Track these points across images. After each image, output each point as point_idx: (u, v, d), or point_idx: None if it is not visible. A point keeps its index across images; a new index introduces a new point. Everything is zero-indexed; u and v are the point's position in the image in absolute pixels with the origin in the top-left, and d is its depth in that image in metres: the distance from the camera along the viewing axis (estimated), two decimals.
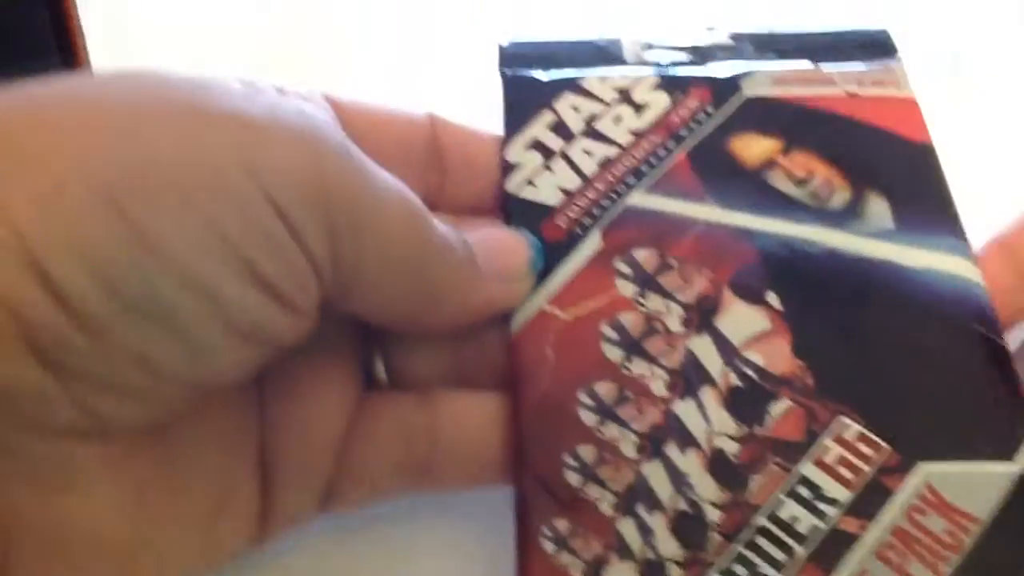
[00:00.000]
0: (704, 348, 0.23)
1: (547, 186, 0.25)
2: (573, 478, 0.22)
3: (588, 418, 0.22)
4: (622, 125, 0.26)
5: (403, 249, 0.20)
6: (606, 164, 0.26)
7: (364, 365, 0.24)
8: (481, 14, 0.37)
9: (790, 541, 0.21)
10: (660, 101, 0.27)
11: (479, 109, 0.27)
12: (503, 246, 0.24)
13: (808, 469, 0.22)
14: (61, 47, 0.29)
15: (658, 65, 0.28)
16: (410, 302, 0.22)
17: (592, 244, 0.24)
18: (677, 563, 0.21)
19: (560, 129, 0.26)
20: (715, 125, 0.26)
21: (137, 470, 0.19)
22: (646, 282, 0.24)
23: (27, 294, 0.16)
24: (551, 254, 0.24)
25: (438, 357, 0.24)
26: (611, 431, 0.22)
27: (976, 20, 0.37)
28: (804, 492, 0.21)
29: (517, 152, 0.26)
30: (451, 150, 0.26)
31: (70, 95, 0.18)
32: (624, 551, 0.21)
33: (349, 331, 0.24)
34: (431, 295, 0.22)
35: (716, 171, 0.25)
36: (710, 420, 0.22)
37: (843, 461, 0.22)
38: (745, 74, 0.27)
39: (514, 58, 0.28)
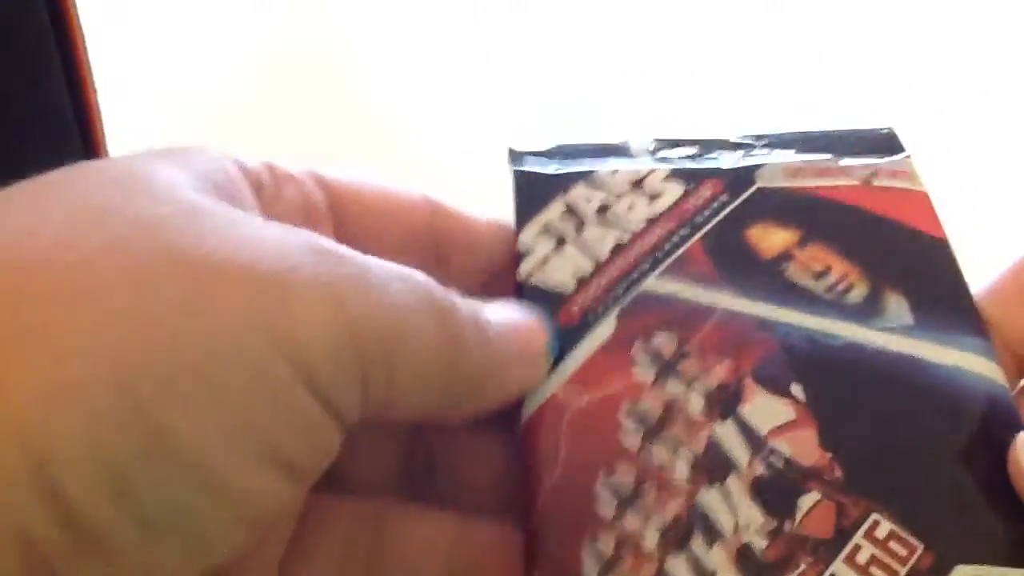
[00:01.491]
0: (728, 435, 0.22)
1: (560, 271, 0.25)
2: (592, 573, 0.20)
3: (607, 510, 0.21)
4: (635, 212, 0.26)
5: (437, 359, 0.19)
6: (619, 249, 0.25)
7: None
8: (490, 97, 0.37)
9: None
10: (673, 190, 0.26)
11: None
12: (521, 327, 0.23)
13: (840, 569, 0.20)
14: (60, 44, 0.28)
15: (668, 160, 0.28)
16: (443, 402, 0.20)
17: (607, 328, 0.24)
18: None
19: (572, 216, 0.26)
20: (730, 214, 0.26)
21: None
22: (665, 368, 0.23)
23: (33, 509, 0.14)
24: (565, 337, 0.23)
25: (386, 462, 0.24)
26: (631, 523, 0.21)
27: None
28: None
29: (529, 239, 0.25)
30: (451, 237, 0.25)
31: (67, 249, 0.16)
32: None
33: None
34: (467, 390, 0.21)
35: (732, 259, 0.25)
36: (737, 512, 0.21)
37: (876, 561, 0.20)
38: (758, 166, 0.27)
39: (523, 157, 0.28)
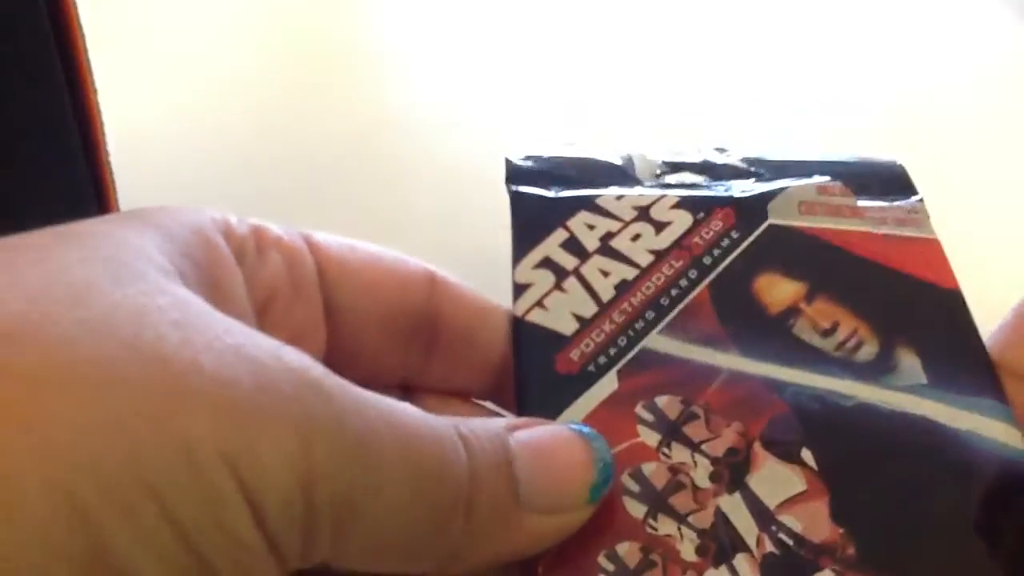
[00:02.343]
0: (736, 509, 0.21)
1: (560, 310, 0.23)
2: None
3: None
4: (640, 243, 0.25)
5: (406, 528, 0.17)
6: (623, 289, 0.24)
7: None
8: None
9: None
10: (681, 220, 0.25)
11: None
12: (560, 465, 0.19)
13: None
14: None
15: (674, 185, 0.26)
16: (416, 566, 0.18)
17: (608, 385, 0.22)
18: None
19: (573, 247, 0.25)
20: (738, 255, 0.25)
21: None
22: (670, 431, 0.22)
23: None
24: (563, 388, 0.22)
25: None
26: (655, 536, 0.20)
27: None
28: None
29: (527, 272, 0.24)
30: (448, 321, 0.23)
31: (45, 321, 0.15)
32: None
33: None
34: (447, 552, 0.18)
35: (738, 314, 0.24)
36: None
37: None
38: (771, 196, 0.26)
39: (522, 173, 0.26)
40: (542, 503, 0.19)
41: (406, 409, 0.18)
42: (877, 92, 0.38)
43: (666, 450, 0.22)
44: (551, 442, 0.20)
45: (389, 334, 0.22)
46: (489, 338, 0.23)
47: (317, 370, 0.17)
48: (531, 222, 0.25)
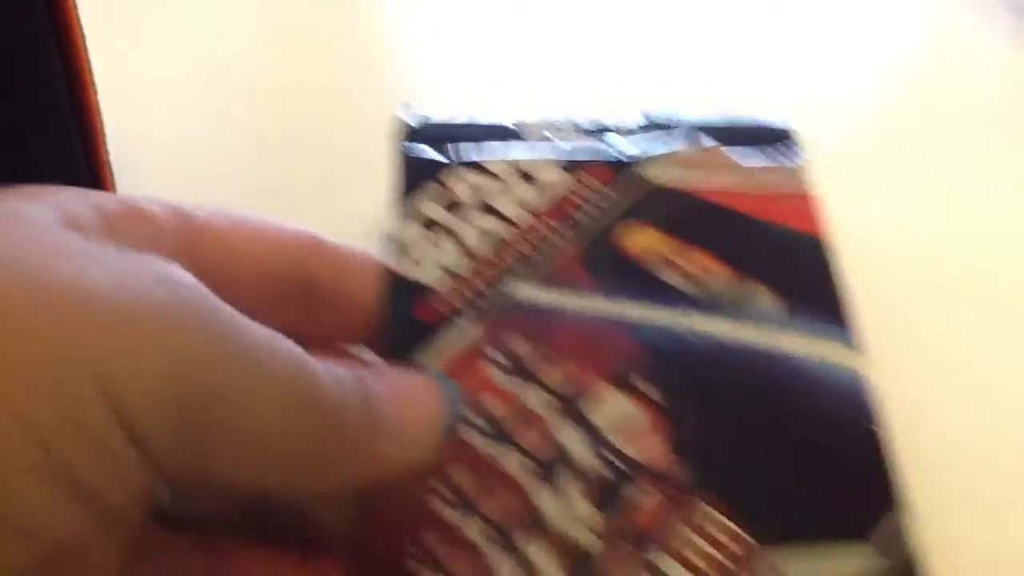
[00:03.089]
0: (573, 438, 0.22)
1: (431, 264, 0.25)
2: (417, 568, 0.21)
3: (442, 508, 0.22)
4: (516, 202, 0.26)
5: (277, 435, 0.19)
6: (494, 244, 0.26)
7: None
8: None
9: None
10: (558, 179, 0.27)
11: None
12: (414, 404, 0.22)
13: (665, 562, 0.21)
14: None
15: (559, 146, 0.28)
16: (281, 477, 0.20)
17: (468, 331, 0.24)
18: None
19: (451, 204, 0.27)
20: (611, 213, 0.26)
21: None
22: (519, 371, 0.23)
23: None
24: (425, 335, 0.24)
25: (226, 497, 0.23)
26: (465, 520, 0.22)
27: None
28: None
29: (403, 227, 0.26)
30: (324, 280, 0.24)
31: None
32: None
33: None
34: (318, 466, 0.20)
35: (605, 264, 0.25)
36: (571, 511, 0.21)
37: (699, 552, 0.21)
38: (646, 156, 0.27)
39: (413, 133, 0.28)
40: (398, 435, 0.21)
41: (276, 334, 0.20)
42: (874, 92, 0.38)
43: (513, 388, 0.23)
44: (404, 382, 0.22)
45: (265, 297, 0.23)
46: (365, 292, 0.25)
47: (190, 278, 0.19)
48: (412, 179, 0.27)
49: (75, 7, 0.29)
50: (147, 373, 0.17)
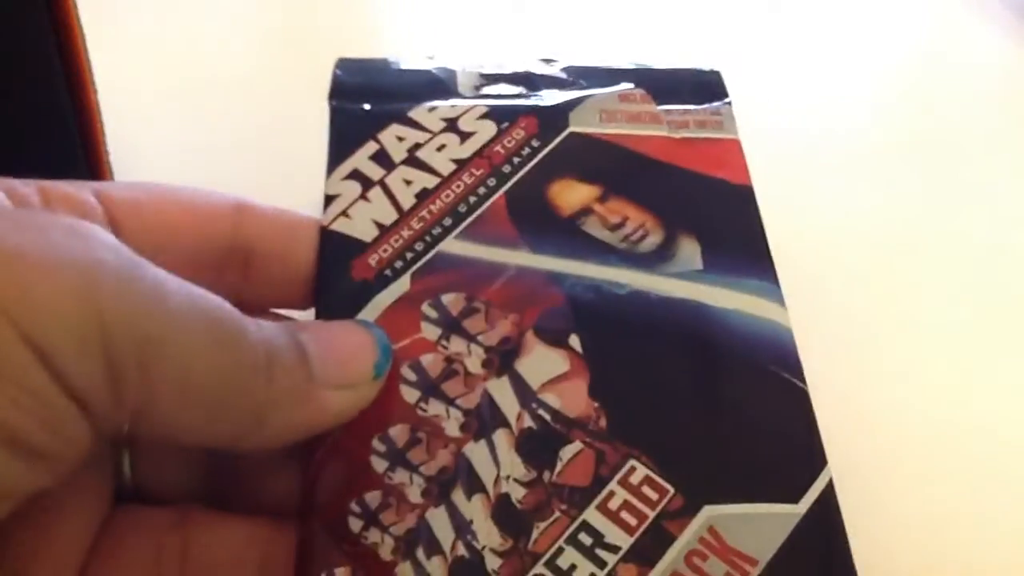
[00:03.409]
0: (502, 390, 0.23)
1: (362, 219, 0.25)
2: (356, 524, 0.21)
3: (378, 464, 0.22)
4: (444, 153, 0.26)
5: (210, 373, 0.19)
6: (423, 196, 0.25)
7: (113, 471, 0.23)
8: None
9: None
10: (486, 130, 0.27)
11: None
12: (344, 347, 0.22)
13: (591, 515, 0.21)
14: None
15: (491, 96, 0.28)
16: (224, 426, 0.20)
17: (400, 287, 0.24)
18: None
19: (382, 159, 0.26)
20: (537, 163, 0.26)
21: None
22: (450, 325, 0.23)
23: None
24: (358, 292, 0.24)
25: (191, 470, 0.23)
26: (399, 476, 0.22)
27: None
28: (585, 539, 0.21)
29: (336, 184, 0.26)
30: (259, 243, 0.24)
31: None
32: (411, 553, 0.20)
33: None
34: (251, 415, 0.20)
35: (532, 217, 0.25)
36: (500, 464, 0.22)
37: (627, 506, 0.21)
38: (573, 105, 0.27)
39: (345, 88, 0.27)
40: (332, 377, 0.21)
41: (196, 285, 0.19)
42: (872, 92, 0.39)
43: (444, 343, 0.23)
44: (334, 329, 0.22)
45: (198, 266, 0.23)
46: (302, 253, 0.24)
47: (99, 231, 0.18)
48: (344, 135, 0.26)
49: (75, 7, 0.28)
50: (61, 311, 0.16)
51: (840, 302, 0.32)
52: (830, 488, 0.21)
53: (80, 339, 0.16)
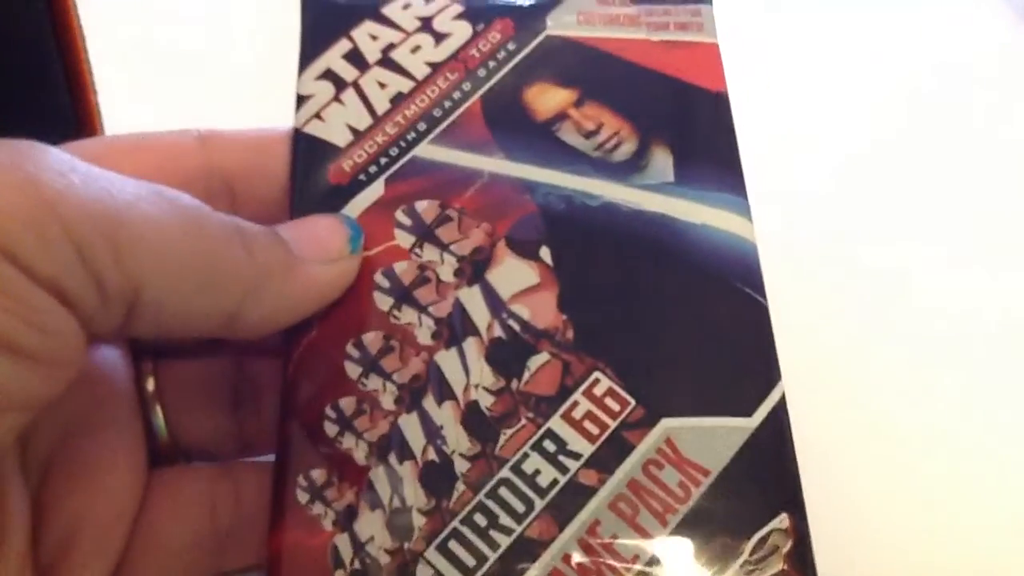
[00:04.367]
0: (473, 299, 0.23)
1: (336, 122, 0.25)
2: (331, 429, 0.22)
3: (352, 370, 0.23)
4: (419, 55, 0.26)
5: (184, 247, 0.19)
6: (398, 100, 0.25)
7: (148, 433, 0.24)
8: None
9: (530, 493, 0.21)
10: (461, 31, 0.26)
11: None
12: (317, 229, 0.23)
13: (556, 423, 0.22)
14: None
15: None
16: (216, 302, 0.20)
17: (374, 192, 0.24)
18: (422, 511, 0.21)
19: (355, 59, 0.26)
20: (513, 67, 0.26)
21: None
22: (423, 233, 0.24)
23: None
24: (332, 198, 0.24)
25: (220, 420, 0.25)
26: (373, 382, 0.22)
27: None
28: (549, 446, 0.22)
29: (308, 84, 0.25)
30: (232, 167, 0.24)
31: None
32: (375, 501, 0.22)
33: (127, 398, 0.23)
34: (240, 288, 0.20)
35: (507, 122, 0.25)
36: (470, 372, 0.22)
37: (590, 415, 0.22)
38: (550, 6, 0.27)
39: None
40: (309, 252, 0.22)
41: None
42: (872, 91, 0.38)
43: (418, 250, 0.24)
44: (303, 219, 0.23)
45: None
46: (280, 166, 0.25)
47: (51, 147, 0.18)
48: (316, 31, 0.26)
49: (75, 7, 0.28)
50: (9, 208, 0.16)
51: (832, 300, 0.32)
52: (782, 403, 0.22)
53: (37, 228, 0.17)
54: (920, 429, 0.31)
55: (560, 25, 0.26)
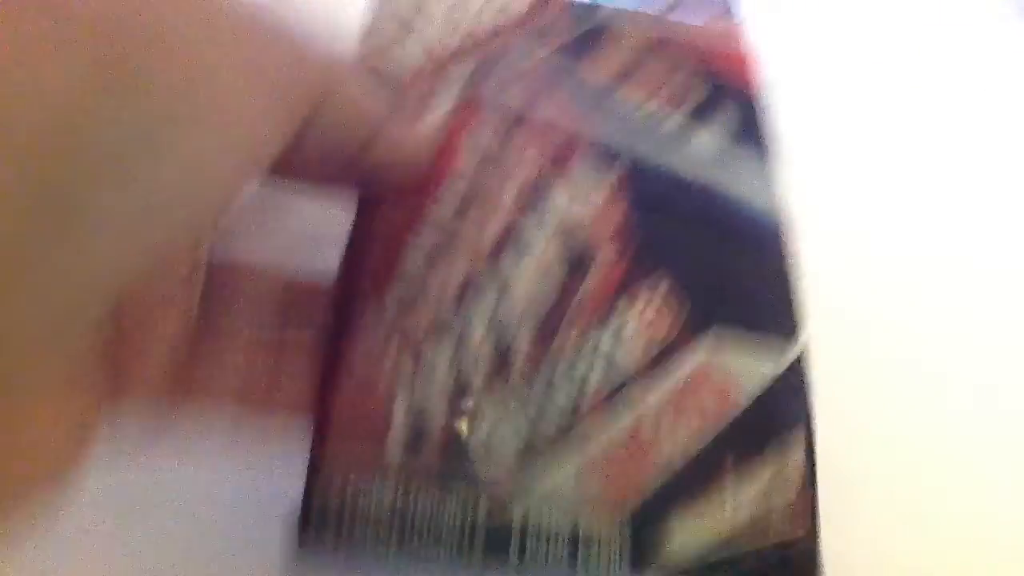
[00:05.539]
0: (533, 219, 0.24)
1: (399, 61, 0.26)
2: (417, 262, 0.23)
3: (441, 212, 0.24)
4: (482, 17, 0.28)
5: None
6: (459, 52, 0.27)
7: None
8: None
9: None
10: (522, 3, 0.28)
11: None
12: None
13: (614, 324, 0.23)
14: None
15: None
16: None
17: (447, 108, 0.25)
18: (479, 379, 0.22)
19: (422, 7, 0.28)
20: (575, 37, 0.28)
21: None
22: (486, 158, 0.25)
23: None
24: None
25: (272, 301, 0.25)
26: (460, 225, 0.23)
27: None
28: (605, 345, 0.23)
29: (376, 19, 0.27)
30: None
31: None
32: (432, 365, 0.22)
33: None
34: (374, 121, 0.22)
35: (566, 74, 0.27)
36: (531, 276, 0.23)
37: (646, 322, 0.23)
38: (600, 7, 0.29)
39: None
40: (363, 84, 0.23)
41: None
42: (872, 91, 0.39)
43: (480, 173, 0.25)
44: None
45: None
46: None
47: None
48: None
49: None
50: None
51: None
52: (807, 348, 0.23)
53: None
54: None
55: (612, 20, 0.29)
